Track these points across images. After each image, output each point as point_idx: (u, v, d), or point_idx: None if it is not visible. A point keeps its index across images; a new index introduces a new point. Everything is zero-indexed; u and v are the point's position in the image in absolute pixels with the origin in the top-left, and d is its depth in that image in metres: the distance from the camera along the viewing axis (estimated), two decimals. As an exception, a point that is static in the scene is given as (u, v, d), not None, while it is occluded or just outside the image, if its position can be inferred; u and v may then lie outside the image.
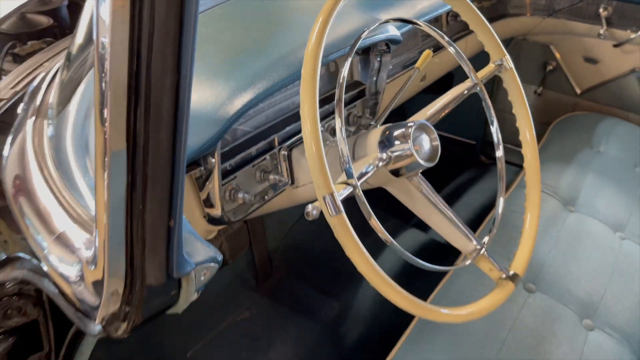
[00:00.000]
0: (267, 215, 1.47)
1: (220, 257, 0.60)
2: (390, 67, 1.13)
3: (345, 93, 1.02)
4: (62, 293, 0.58)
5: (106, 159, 0.44)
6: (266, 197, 0.90)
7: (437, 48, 1.28)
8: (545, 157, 1.46)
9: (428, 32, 0.84)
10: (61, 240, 0.58)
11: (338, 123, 0.66)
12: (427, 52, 0.98)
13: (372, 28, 0.76)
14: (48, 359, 0.72)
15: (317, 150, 0.60)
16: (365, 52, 1.04)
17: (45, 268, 0.59)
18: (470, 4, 0.83)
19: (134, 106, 0.42)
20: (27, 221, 0.62)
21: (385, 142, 0.77)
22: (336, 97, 0.68)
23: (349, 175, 0.64)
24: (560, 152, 1.48)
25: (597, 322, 1.01)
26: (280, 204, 0.97)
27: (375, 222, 0.65)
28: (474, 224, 1.26)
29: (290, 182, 0.93)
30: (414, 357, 0.93)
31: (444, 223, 0.82)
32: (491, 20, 1.59)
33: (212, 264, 0.58)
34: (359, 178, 0.69)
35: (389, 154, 0.75)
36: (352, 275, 1.49)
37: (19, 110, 0.80)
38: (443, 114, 0.85)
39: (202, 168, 0.78)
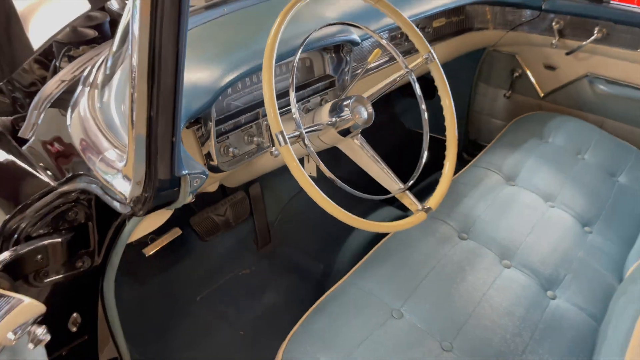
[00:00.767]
0: (266, 191, 1.79)
1: (207, 172, 0.91)
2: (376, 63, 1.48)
3: (318, 83, 1.33)
4: (106, 191, 0.90)
5: (134, 98, 0.75)
6: (252, 155, 1.21)
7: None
8: (499, 145, 1.72)
9: (369, 33, 1.16)
10: (105, 159, 0.90)
11: (292, 95, 0.98)
12: (377, 51, 1.29)
13: (317, 29, 1.07)
14: (92, 254, 1.04)
15: (270, 99, 0.91)
16: (337, 51, 1.36)
17: (96, 176, 0.90)
18: (397, 10, 1.13)
19: (151, 77, 0.72)
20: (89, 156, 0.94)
21: (334, 111, 1.08)
22: (292, 75, 0.99)
23: (298, 125, 0.95)
24: (512, 142, 1.74)
25: (513, 262, 1.27)
26: (264, 164, 1.29)
27: (316, 158, 0.96)
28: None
29: (271, 144, 1.24)
30: (369, 275, 1.20)
31: (378, 170, 1.12)
32: (459, 33, 1.90)
33: (202, 175, 0.89)
34: (307, 131, 1.00)
35: (335, 118, 1.06)
36: (336, 242, 1.80)
37: (77, 89, 1.14)
38: (380, 94, 1.16)
39: (203, 129, 1.10)
